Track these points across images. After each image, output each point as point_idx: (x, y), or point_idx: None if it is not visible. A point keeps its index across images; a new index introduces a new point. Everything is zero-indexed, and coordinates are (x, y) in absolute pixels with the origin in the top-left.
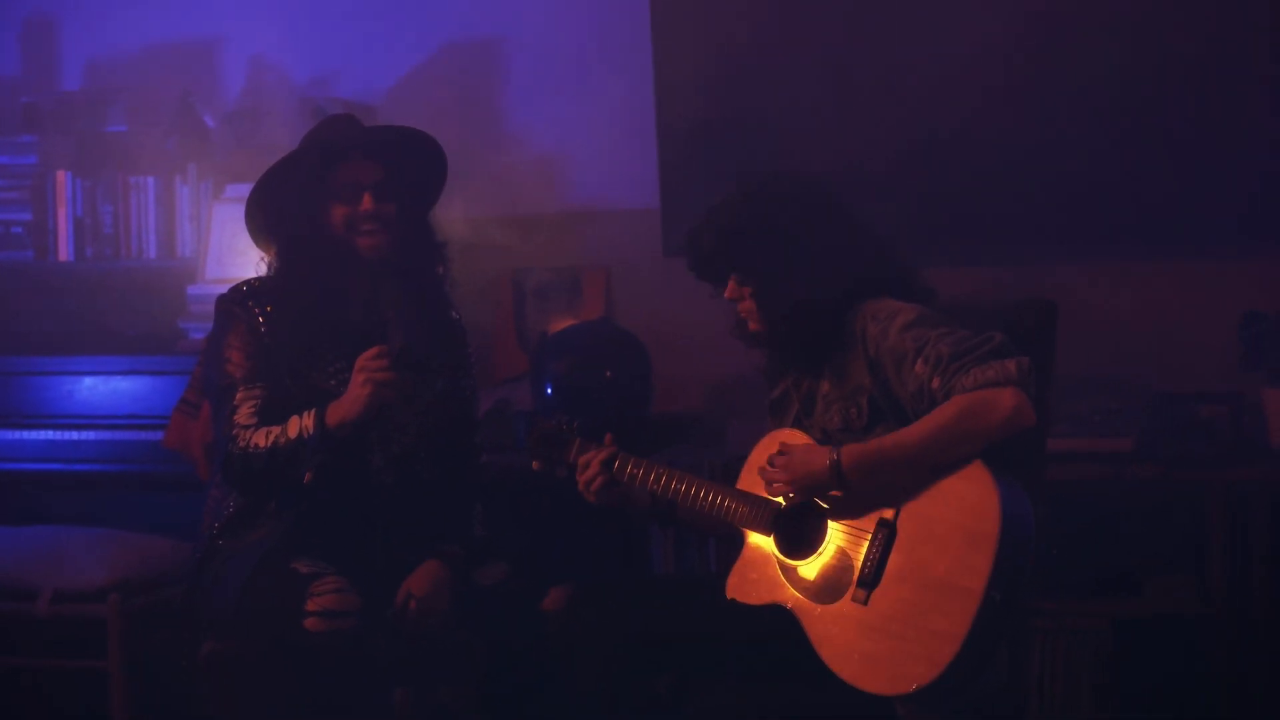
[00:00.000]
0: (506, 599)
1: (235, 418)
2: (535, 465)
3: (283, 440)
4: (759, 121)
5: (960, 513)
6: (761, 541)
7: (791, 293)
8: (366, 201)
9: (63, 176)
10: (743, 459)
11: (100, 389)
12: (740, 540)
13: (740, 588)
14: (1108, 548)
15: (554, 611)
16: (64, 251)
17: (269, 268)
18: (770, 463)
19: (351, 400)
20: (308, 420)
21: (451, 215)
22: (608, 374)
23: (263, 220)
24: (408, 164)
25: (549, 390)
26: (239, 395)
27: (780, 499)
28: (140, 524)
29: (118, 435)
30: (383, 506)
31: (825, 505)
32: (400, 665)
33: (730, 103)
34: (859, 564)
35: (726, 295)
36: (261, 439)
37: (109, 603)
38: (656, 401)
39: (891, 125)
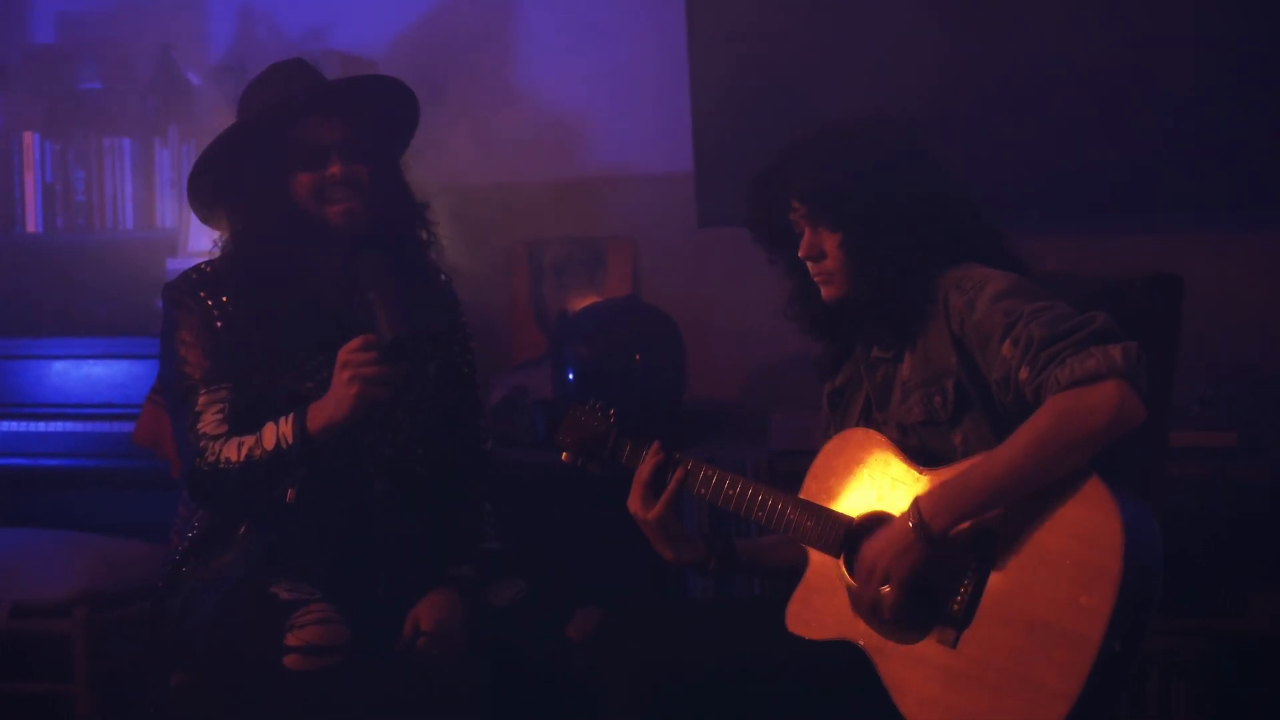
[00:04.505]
0: (524, 622)
1: (199, 426)
2: (565, 458)
3: (258, 452)
4: (804, 74)
5: (1073, 542)
6: (829, 564)
7: (891, 241)
8: (334, 165)
9: (30, 139)
10: (787, 455)
11: (71, 375)
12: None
13: (803, 618)
14: (1209, 558)
15: (581, 640)
16: (32, 222)
17: (222, 248)
18: (854, 578)
19: (336, 401)
20: (285, 427)
21: (459, 180)
22: (636, 358)
23: (210, 195)
24: (376, 117)
25: (570, 376)
26: (200, 399)
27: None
28: (116, 525)
29: (91, 426)
30: (377, 520)
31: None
32: (399, 699)
33: (773, 54)
34: (947, 597)
35: (802, 253)
36: (233, 452)
37: (75, 617)
38: (690, 389)
39: (960, 75)
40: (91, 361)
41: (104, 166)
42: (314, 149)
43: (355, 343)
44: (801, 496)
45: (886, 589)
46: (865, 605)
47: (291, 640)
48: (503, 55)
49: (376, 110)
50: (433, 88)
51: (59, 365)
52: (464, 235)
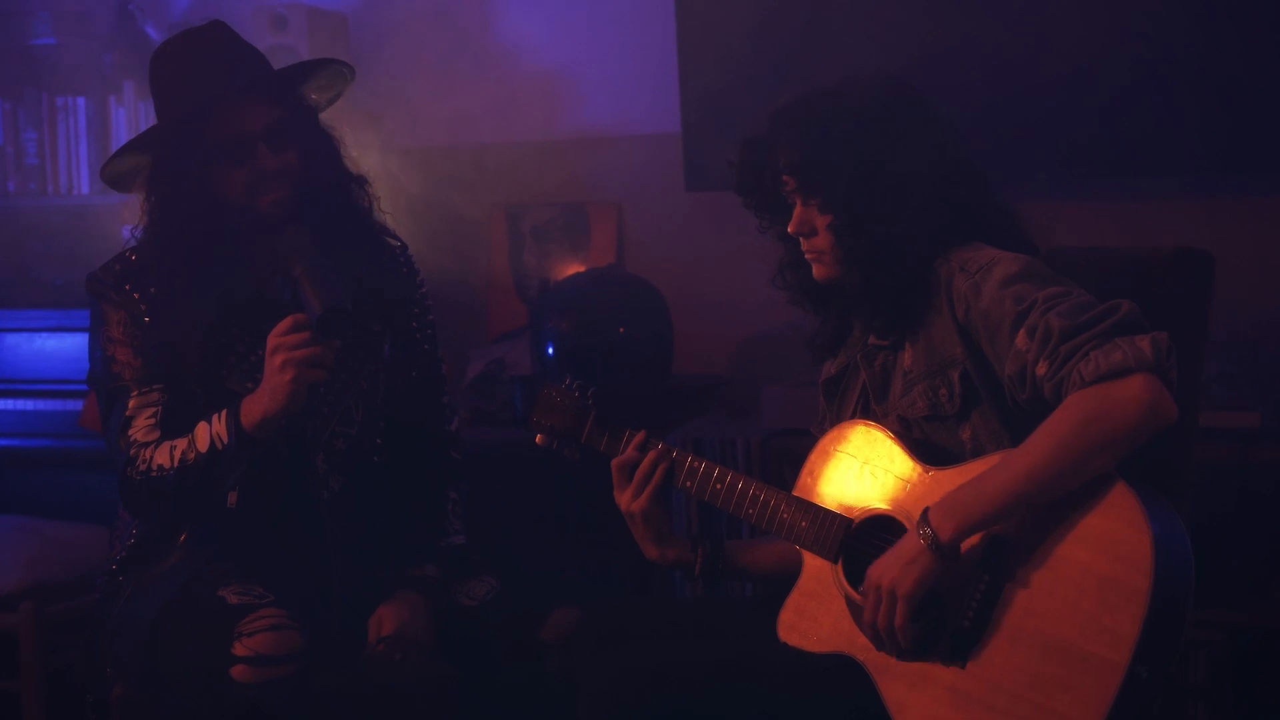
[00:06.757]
0: (495, 623)
1: (130, 433)
2: (539, 440)
3: (192, 455)
4: (795, 32)
5: (1097, 555)
6: (825, 570)
7: (885, 226)
8: (264, 157)
9: None
10: (781, 433)
11: (23, 349)
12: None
13: (797, 629)
14: (1228, 544)
15: (556, 642)
16: None
17: (145, 233)
18: (861, 592)
19: (271, 391)
20: (219, 426)
21: (434, 141)
22: (620, 331)
23: (127, 173)
24: (305, 95)
25: (550, 350)
26: (132, 402)
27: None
28: (68, 510)
29: (43, 404)
30: (329, 518)
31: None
32: (358, 709)
33: (763, 10)
34: (955, 611)
35: (792, 229)
36: (165, 458)
37: (21, 611)
38: (677, 364)
39: (962, 29)
40: (45, 335)
41: (57, 127)
42: (239, 140)
43: (284, 324)
44: (796, 494)
45: (899, 620)
46: (874, 633)
47: (239, 650)
48: (482, 9)
49: (305, 88)
50: (408, 44)
51: (10, 339)
52: (440, 200)
